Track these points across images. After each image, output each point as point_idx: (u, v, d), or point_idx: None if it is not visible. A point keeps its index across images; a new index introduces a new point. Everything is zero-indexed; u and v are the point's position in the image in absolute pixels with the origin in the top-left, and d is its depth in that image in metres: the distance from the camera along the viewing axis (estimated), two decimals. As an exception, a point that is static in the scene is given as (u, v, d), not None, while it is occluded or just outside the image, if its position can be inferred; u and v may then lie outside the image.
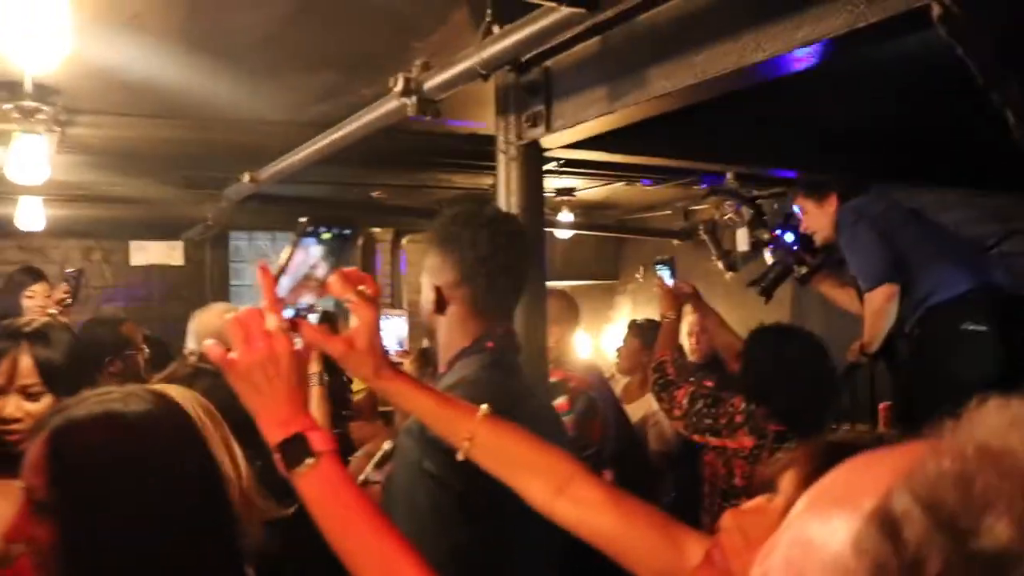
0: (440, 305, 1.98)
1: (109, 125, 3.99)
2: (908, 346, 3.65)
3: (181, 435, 1.27)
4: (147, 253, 7.51)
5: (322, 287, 1.35)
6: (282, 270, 1.30)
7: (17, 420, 1.99)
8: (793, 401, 3.03)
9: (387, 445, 2.48)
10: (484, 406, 1.44)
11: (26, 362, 2.04)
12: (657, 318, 5.69)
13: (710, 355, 5.15)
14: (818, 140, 3.74)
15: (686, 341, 5.27)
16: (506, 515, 1.66)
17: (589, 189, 6.15)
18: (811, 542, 0.45)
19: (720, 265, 5.40)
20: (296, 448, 1.20)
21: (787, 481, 1.02)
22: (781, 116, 3.49)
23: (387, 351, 1.45)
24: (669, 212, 7.33)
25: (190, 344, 3.36)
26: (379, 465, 2.49)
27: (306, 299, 1.35)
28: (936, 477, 0.42)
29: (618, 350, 4.60)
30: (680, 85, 2.32)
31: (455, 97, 3.14)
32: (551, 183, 5.86)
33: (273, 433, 1.22)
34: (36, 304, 4.61)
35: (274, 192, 5.46)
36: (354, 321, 1.39)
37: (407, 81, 2.74)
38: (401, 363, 3.66)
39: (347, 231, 1.36)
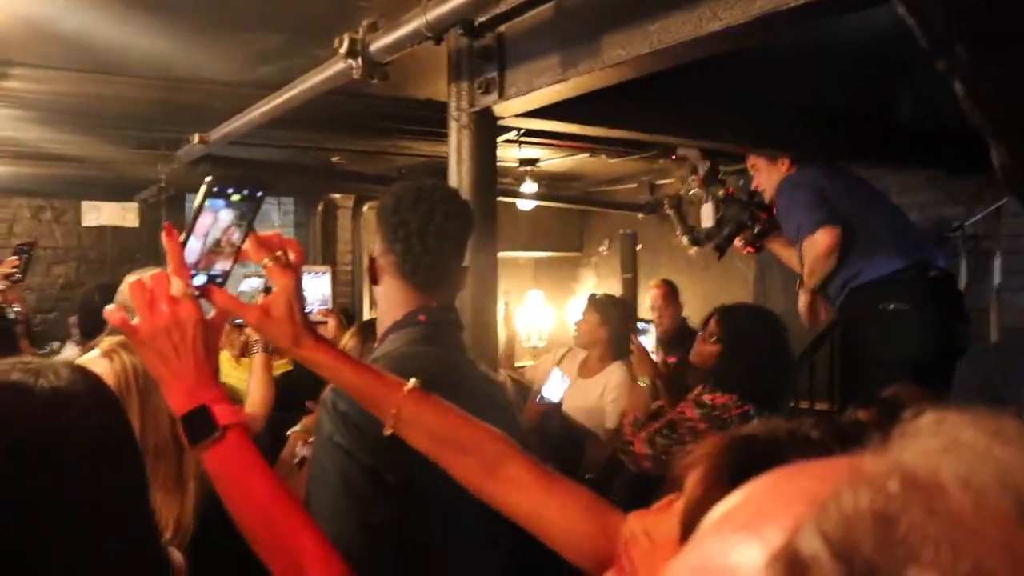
0: (373, 275, 1.90)
1: (46, 79, 3.82)
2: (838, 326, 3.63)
3: (92, 412, 1.18)
4: (100, 214, 7.33)
5: (238, 252, 1.26)
6: (189, 232, 1.20)
7: None
8: (753, 379, 2.97)
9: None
10: (412, 380, 1.36)
11: None
12: (617, 293, 5.67)
13: (673, 330, 5.10)
14: (782, 117, 3.66)
15: (649, 315, 5.23)
16: (428, 492, 1.59)
17: (553, 160, 6.05)
18: (714, 571, 0.40)
19: (684, 240, 5.33)
20: (200, 421, 1.14)
21: (691, 480, 0.93)
22: (745, 92, 3.41)
23: (308, 318, 1.36)
24: (635, 185, 7.26)
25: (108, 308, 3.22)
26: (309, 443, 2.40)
27: (220, 265, 1.26)
28: (853, 514, 0.35)
29: (577, 323, 4.52)
30: (635, 54, 2.22)
31: (411, 62, 3.03)
32: (514, 153, 5.76)
33: (178, 403, 1.15)
34: None
35: (229, 154, 5.33)
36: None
37: (352, 42, 2.62)
38: (325, 322, 3.56)
39: (259, 193, 1.25)
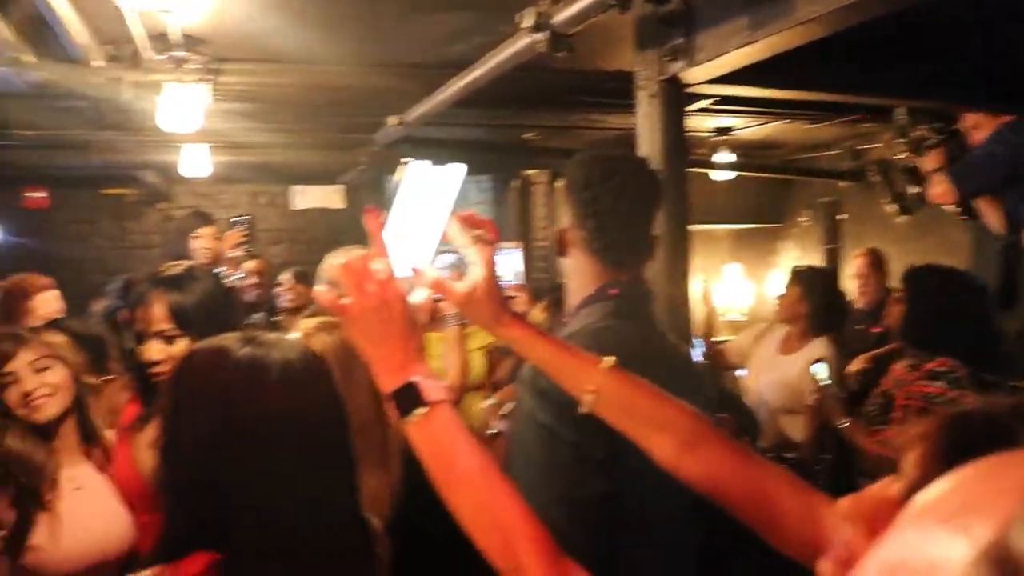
0: (561, 248, 1.90)
1: (258, 72, 4.06)
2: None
3: (314, 388, 1.25)
4: (308, 197, 7.75)
5: (441, 232, 1.29)
6: (393, 214, 1.24)
7: (160, 362, 2.09)
8: (954, 346, 2.78)
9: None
10: (609, 358, 1.36)
11: (159, 308, 2.12)
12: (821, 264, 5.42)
13: (876, 302, 4.83)
14: (998, 76, 3.36)
15: (852, 285, 4.97)
16: (628, 468, 1.57)
17: (749, 128, 5.84)
18: (913, 567, 0.38)
19: (893, 208, 5.01)
20: (408, 397, 1.16)
21: (910, 461, 0.87)
22: (955, 49, 3.14)
23: (505, 294, 1.38)
24: (837, 151, 6.90)
25: (319, 287, 3.38)
26: (506, 416, 2.44)
27: (423, 243, 1.29)
28: None
29: (779, 298, 4.35)
30: (828, 8, 2.09)
31: (597, 33, 3.00)
32: (708, 122, 5.60)
33: (386, 381, 1.18)
34: (202, 246, 4.78)
35: (425, 135, 5.49)
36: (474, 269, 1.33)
37: (537, 16, 2.62)
38: (515, 297, 3.60)
39: (462, 166, 1.28)
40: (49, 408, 2.20)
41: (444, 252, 1.29)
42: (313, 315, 2.33)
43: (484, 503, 1.14)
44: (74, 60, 3.58)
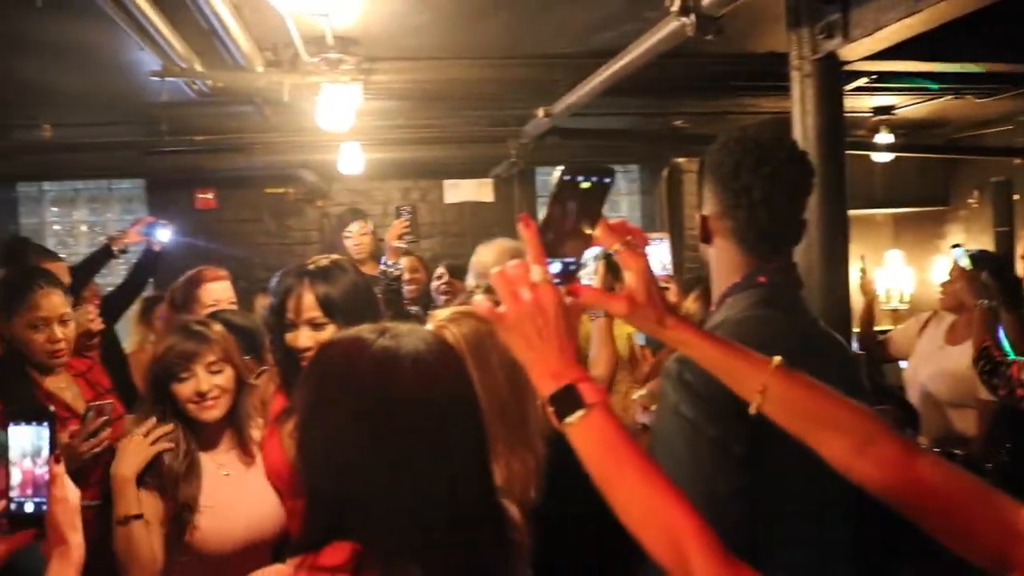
0: (705, 235, 1.85)
1: (408, 69, 4.16)
2: None
3: (447, 377, 1.27)
4: (459, 191, 7.88)
5: (586, 239, 1.27)
6: (546, 221, 1.25)
7: (309, 349, 2.17)
8: None
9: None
10: (777, 358, 1.33)
11: (309, 297, 2.20)
12: (990, 248, 5.11)
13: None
14: None
15: (1018, 264, 4.67)
16: (771, 465, 1.54)
17: (911, 106, 5.56)
18: None
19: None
20: (567, 399, 1.16)
21: None
22: None
23: (663, 292, 1.37)
24: (1009, 127, 6.48)
25: (470, 280, 3.43)
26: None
27: (573, 252, 1.27)
28: None
29: (943, 285, 4.12)
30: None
31: (746, 14, 2.93)
32: (865, 101, 5.37)
33: (544, 385, 1.18)
34: (352, 243, 4.92)
35: (574, 126, 5.49)
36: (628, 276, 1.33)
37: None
38: (667, 288, 3.55)
39: (607, 179, 1.27)
40: (216, 410, 2.34)
41: (569, 263, 1.28)
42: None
43: (648, 503, 1.13)
44: (238, 67, 3.76)
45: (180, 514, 2.24)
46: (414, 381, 1.24)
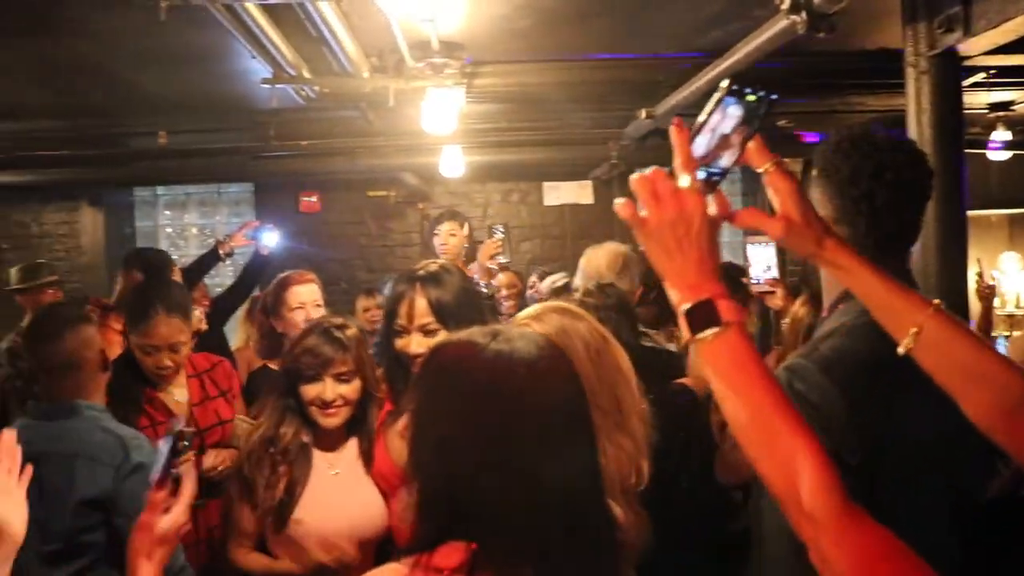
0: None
1: (510, 73, 4.18)
2: None
3: (558, 383, 1.27)
4: (559, 193, 7.87)
5: (741, 152, 1.22)
6: (699, 128, 1.19)
7: (420, 355, 2.14)
8: None
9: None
10: (936, 300, 1.28)
11: (421, 303, 2.20)
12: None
13: None
14: None
15: None
16: (884, 475, 1.51)
17: (1032, 101, 5.33)
18: None
19: None
20: (703, 314, 1.12)
21: None
22: None
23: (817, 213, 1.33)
24: None
25: (577, 281, 3.41)
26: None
27: (722, 162, 1.22)
28: None
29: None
30: None
31: (859, 9, 2.85)
32: (982, 97, 5.16)
33: (681, 296, 1.14)
34: (439, 241, 4.90)
35: (676, 127, 5.41)
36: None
37: (795, -4, 2.52)
38: (773, 292, 3.47)
39: (773, 96, 1.23)
40: (336, 419, 2.36)
41: (714, 172, 1.24)
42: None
43: (772, 427, 1.09)
44: (345, 73, 3.84)
45: (282, 506, 2.28)
46: (527, 384, 1.23)
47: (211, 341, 3.82)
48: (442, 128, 4.05)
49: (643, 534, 1.60)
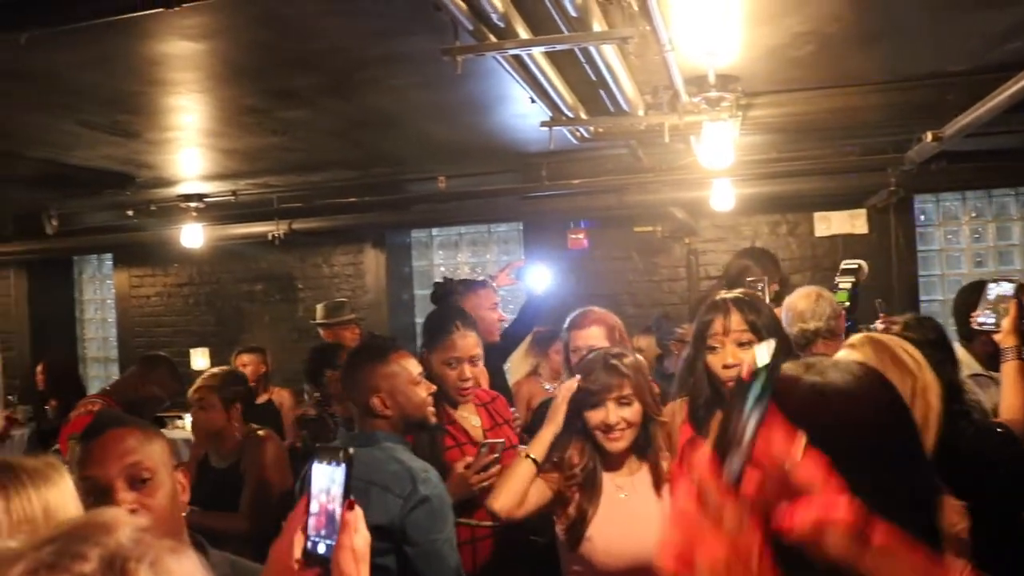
0: None
1: (785, 103, 4.13)
2: None
3: (872, 405, 1.26)
4: (830, 223, 7.58)
5: None
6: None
7: (735, 365, 2.35)
8: None
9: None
10: None
11: (736, 318, 2.39)
12: None
13: None
14: None
15: None
16: None
17: None
18: None
19: None
20: None
21: None
22: None
23: None
24: None
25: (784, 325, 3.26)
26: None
27: None
28: None
29: None
30: None
31: None
32: None
33: None
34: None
35: (960, 148, 5.10)
36: None
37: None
38: None
39: None
40: (621, 442, 2.50)
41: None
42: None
43: None
44: (620, 112, 3.94)
45: (575, 524, 2.43)
46: (844, 413, 1.22)
47: (491, 377, 3.98)
48: (719, 162, 4.06)
49: None
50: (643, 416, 2.51)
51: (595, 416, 2.48)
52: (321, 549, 1.32)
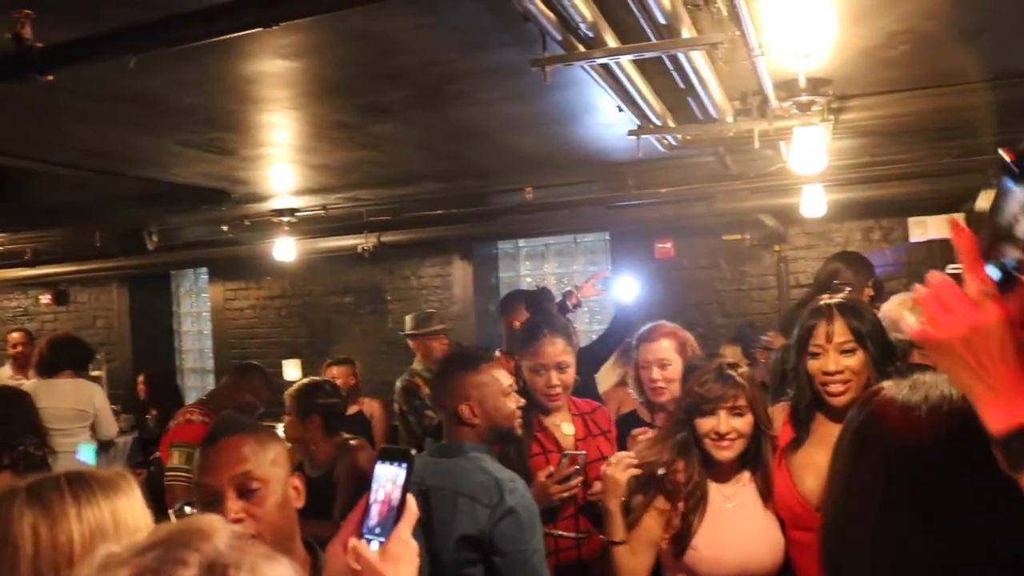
0: None
1: (879, 105, 4.04)
2: None
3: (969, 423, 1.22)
4: (926, 228, 7.36)
5: None
6: (977, 222, 1.08)
7: (837, 372, 2.37)
8: None
9: None
10: None
11: (839, 325, 2.40)
12: None
13: None
14: None
15: None
16: None
17: None
18: None
19: None
20: (1020, 444, 0.95)
21: None
22: None
23: None
24: None
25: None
26: None
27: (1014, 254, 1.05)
28: None
29: None
30: None
31: None
32: None
33: (991, 421, 0.99)
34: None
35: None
36: None
37: None
38: None
39: None
40: (730, 451, 2.51)
41: (1009, 265, 1.06)
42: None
43: None
44: (708, 119, 3.91)
45: (681, 534, 2.45)
46: (943, 431, 1.19)
47: (582, 387, 3.98)
48: (810, 167, 3.98)
49: None
50: (754, 428, 2.51)
51: (706, 424, 2.49)
52: (374, 547, 1.32)
